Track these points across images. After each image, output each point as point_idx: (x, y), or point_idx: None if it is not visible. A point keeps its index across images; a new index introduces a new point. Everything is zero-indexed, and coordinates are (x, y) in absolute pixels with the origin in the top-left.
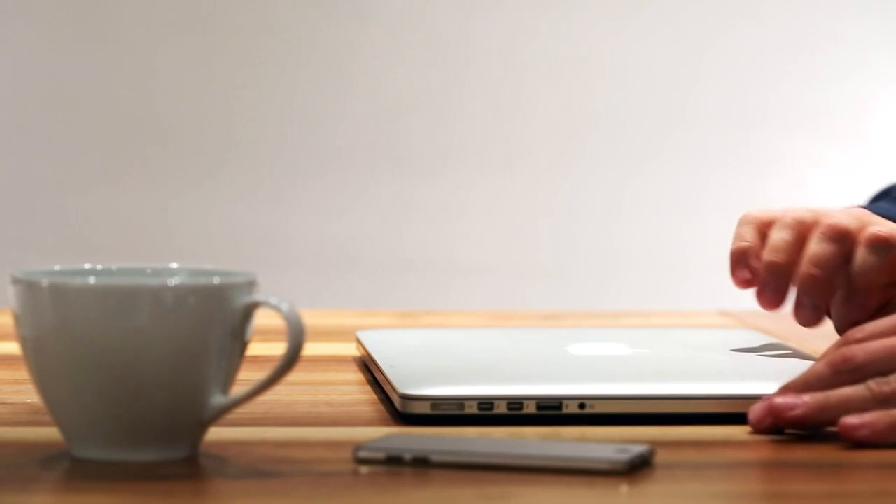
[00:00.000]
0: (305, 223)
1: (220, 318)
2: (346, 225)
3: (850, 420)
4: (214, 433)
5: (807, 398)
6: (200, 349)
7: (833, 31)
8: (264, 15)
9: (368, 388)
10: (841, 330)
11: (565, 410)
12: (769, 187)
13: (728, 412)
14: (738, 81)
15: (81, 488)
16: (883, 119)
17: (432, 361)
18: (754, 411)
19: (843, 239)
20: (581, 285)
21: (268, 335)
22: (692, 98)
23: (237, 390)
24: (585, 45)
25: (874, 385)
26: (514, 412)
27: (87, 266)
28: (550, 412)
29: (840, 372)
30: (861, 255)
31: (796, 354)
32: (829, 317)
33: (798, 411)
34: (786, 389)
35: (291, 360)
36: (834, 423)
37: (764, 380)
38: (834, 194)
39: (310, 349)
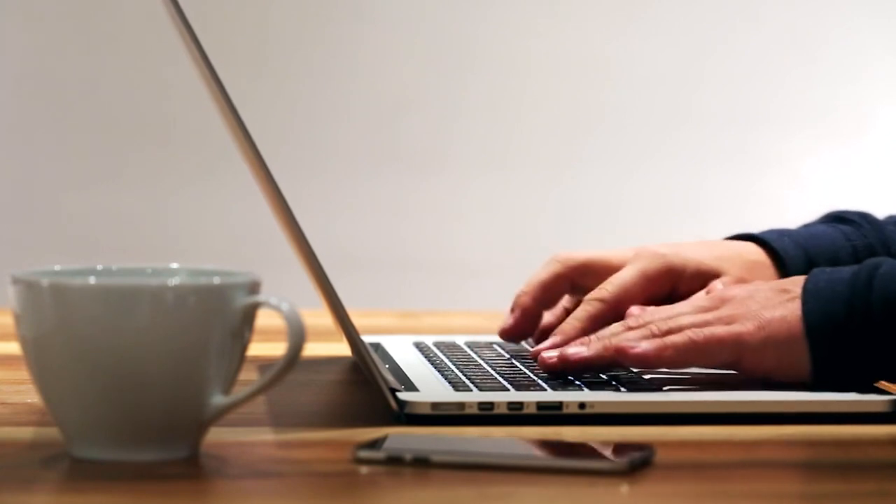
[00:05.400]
0: (305, 223)
1: (220, 318)
2: (346, 225)
3: (625, 343)
4: (214, 433)
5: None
6: (200, 349)
7: (831, 31)
8: (264, 14)
9: (368, 388)
10: None
11: (565, 410)
12: (767, 187)
13: (728, 412)
14: (737, 82)
15: (81, 488)
16: (881, 119)
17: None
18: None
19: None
20: None
21: (268, 335)
22: (691, 98)
23: (237, 390)
24: (584, 45)
25: (650, 328)
26: (515, 412)
27: (87, 266)
28: (550, 412)
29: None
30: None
31: None
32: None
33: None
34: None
35: (291, 360)
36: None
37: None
38: (832, 194)
39: (310, 349)
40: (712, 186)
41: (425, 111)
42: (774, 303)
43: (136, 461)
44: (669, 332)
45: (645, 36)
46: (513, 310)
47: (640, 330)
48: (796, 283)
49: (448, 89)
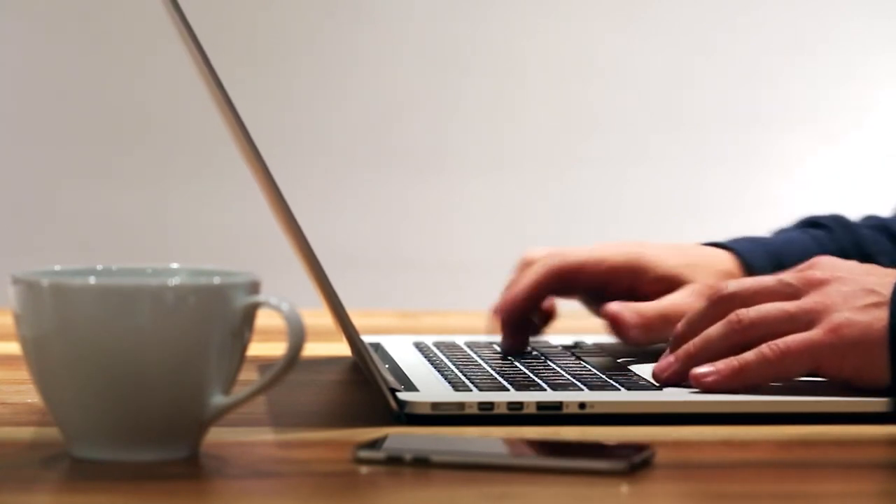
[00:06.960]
0: (305, 223)
1: (220, 318)
2: (345, 225)
3: (699, 370)
4: (214, 433)
5: (679, 352)
6: (200, 349)
7: (829, 31)
8: (264, 13)
9: (368, 388)
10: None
11: (565, 410)
12: (766, 187)
13: (728, 412)
14: (737, 82)
15: (81, 488)
16: (880, 119)
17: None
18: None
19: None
20: None
21: (268, 335)
22: (688, 98)
23: (237, 390)
24: (582, 46)
25: (734, 317)
26: (514, 412)
27: (87, 266)
28: (550, 412)
29: (715, 304)
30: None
31: None
32: None
33: (671, 370)
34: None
35: (291, 360)
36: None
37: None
38: (831, 193)
39: (310, 349)
40: (711, 186)
41: (425, 111)
42: (859, 305)
43: (136, 461)
44: (752, 325)
45: (644, 36)
46: (503, 327)
47: (719, 325)
48: (885, 284)
49: (447, 90)
